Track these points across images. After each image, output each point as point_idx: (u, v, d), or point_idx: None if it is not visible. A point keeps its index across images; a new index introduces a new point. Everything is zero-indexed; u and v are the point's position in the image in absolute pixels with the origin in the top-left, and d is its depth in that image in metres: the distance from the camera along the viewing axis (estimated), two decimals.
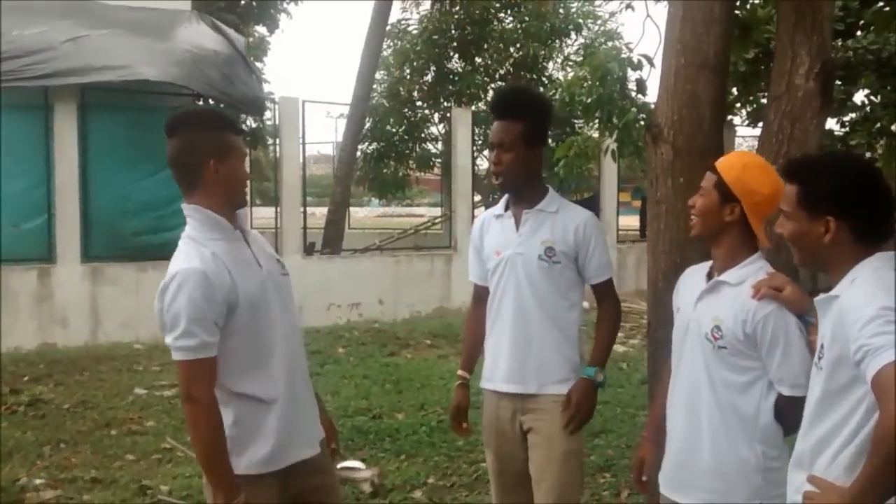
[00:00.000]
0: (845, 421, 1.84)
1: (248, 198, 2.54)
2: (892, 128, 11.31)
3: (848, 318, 1.80)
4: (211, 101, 9.94)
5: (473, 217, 12.83)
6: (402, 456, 5.26)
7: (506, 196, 3.03)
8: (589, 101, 5.84)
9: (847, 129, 12.35)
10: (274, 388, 2.35)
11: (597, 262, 2.91)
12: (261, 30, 17.16)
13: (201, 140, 2.34)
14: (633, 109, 5.67)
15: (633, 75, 5.49)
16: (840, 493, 1.78)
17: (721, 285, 2.33)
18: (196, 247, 2.30)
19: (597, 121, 6.03)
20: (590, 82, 5.90)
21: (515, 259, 2.92)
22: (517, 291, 2.91)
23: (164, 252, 9.54)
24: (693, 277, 2.50)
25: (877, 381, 1.67)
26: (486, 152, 17.00)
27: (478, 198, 14.62)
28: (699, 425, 2.36)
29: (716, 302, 2.32)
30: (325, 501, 2.55)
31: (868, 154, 12.28)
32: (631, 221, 16.95)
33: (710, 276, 2.40)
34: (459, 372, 3.22)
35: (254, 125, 13.85)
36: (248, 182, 2.52)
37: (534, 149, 2.90)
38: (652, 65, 5.31)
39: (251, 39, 15.78)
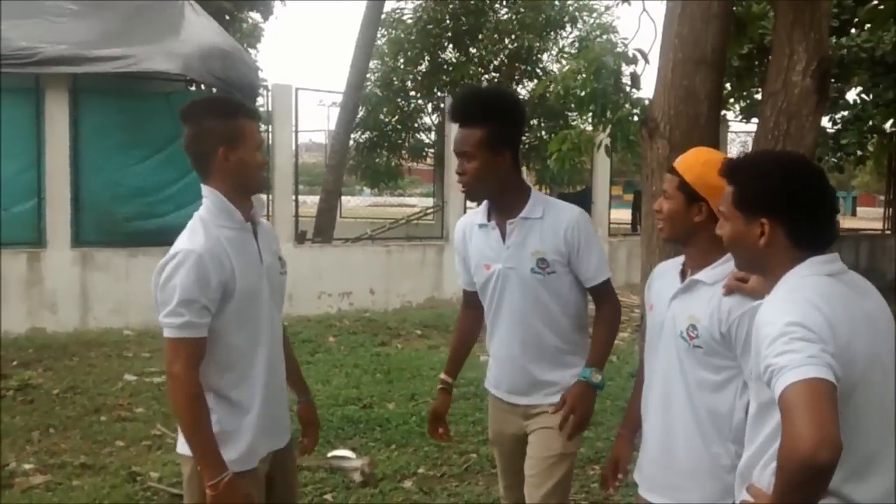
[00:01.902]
0: (775, 435, 1.78)
1: (263, 183, 2.58)
2: (885, 126, 11.38)
3: (759, 334, 1.75)
4: (203, 87, 9.89)
5: (466, 208, 12.82)
6: (392, 445, 5.27)
7: (485, 203, 2.87)
8: (583, 94, 5.86)
9: (839, 127, 12.42)
10: (254, 392, 2.39)
11: (590, 264, 2.77)
12: (254, 16, 17.05)
13: (212, 127, 2.36)
14: (627, 104, 5.70)
15: (627, 70, 5.52)
16: (767, 502, 1.75)
17: (697, 284, 2.31)
18: (205, 228, 2.34)
19: (590, 114, 6.05)
20: (584, 75, 5.92)
21: (507, 274, 2.79)
22: (512, 307, 2.80)
23: (155, 238, 9.56)
24: (666, 275, 2.47)
25: (781, 404, 1.61)
26: None
27: None
28: (673, 424, 2.35)
29: (691, 301, 2.30)
30: (282, 496, 2.61)
31: (859, 152, 12.37)
32: (622, 215, 16.99)
33: (683, 274, 2.38)
34: (442, 376, 3.12)
35: None
36: (264, 168, 2.53)
37: (500, 155, 2.70)
38: (646, 60, 5.33)
39: (245, 26, 15.68)
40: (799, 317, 1.69)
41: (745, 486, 1.90)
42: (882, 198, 16.65)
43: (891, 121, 11.29)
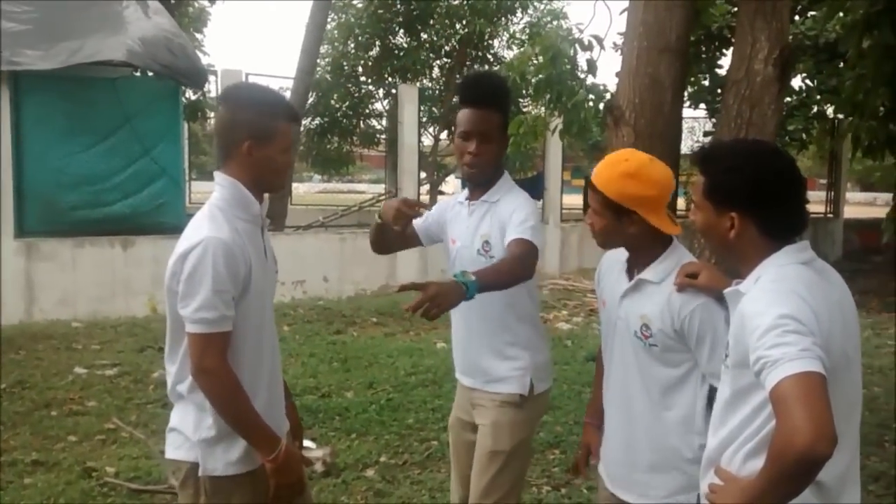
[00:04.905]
0: (750, 419, 1.82)
1: (282, 186, 2.43)
2: (828, 112, 11.66)
3: (748, 326, 1.75)
4: (150, 73, 9.67)
5: (419, 195, 12.79)
6: (352, 435, 5.24)
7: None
8: (538, 80, 5.88)
9: (785, 113, 12.69)
10: (258, 391, 2.30)
11: (514, 222, 2.63)
12: (201, 0, 16.70)
13: (243, 119, 2.25)
14: (582, 90, 5.73)
15: (582, 56, 5.55)
16: (741, 486, 1.77)
17: (644, 283, 2.31)
18: (224, 217, 2.24)
19: (545, 100, 6.07)
20: (539, 61, 5.94)
21: (462, 253, 2.82)
22: None
23: (102, 227, 9.32)
24: (613, 269, 2.46)
25: (774, 396, 1.63)
26: (431, 130, 16.95)
27: (423, 175, 14.58)
28: (635, 422, 2.36)
29: (641, 300, 2.30)
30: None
31: (804, 136, 12.66)
32: (573, 200, 17.11)
33: (630, 271, 2.37)
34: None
35: (193, 98, 13.51)
36: (288, 170, 2.39)
37: (506, 137, 2.83)
38: (602, 46, 5.36)
39: (191, 10, 15.35)
40: (790, 309, 1.71)
41: (713, 470, 1.92)
42: (823, 181, 17.05)
43: (833, 107, 11.55)
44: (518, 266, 2.54)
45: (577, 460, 2.75)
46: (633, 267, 2.36)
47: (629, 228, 2.25)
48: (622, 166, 2.25)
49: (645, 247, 2.30)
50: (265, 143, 2.25)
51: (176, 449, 2.33)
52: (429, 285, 2.29)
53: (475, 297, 2.39)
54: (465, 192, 2.94)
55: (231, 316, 2.19)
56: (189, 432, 2.28)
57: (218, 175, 2.31)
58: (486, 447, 2.76)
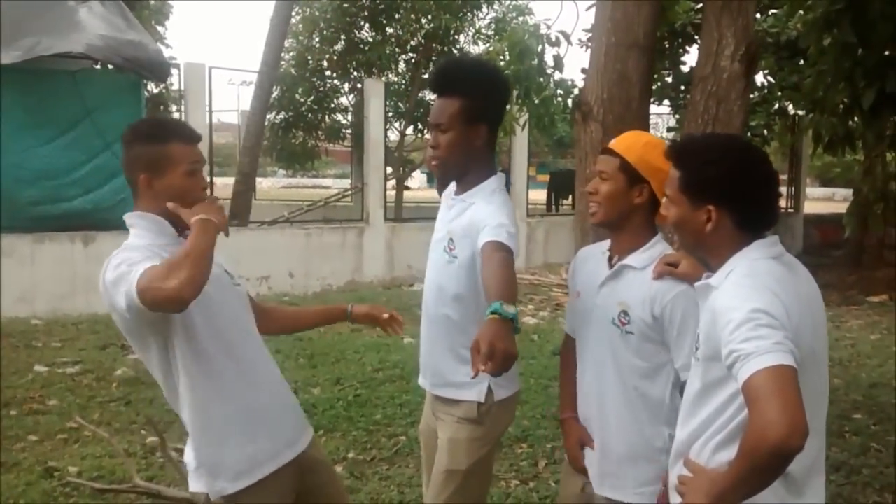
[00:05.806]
0: (720, 412, 1.85)
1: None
2: (789, 108, 11.83)
3: (720, 320, 1.76)
4: (110, 67, 9.51)
5: (386, 190, 12.75)
6: (320, 431, 5.20)
7: None
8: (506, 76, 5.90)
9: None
10: (230, 401, 2.24)
11: (489, 226, 2.40)
12: None
13: (135, 154, 2.22)
14: (551, 85, 5.76)
15: (550, 51, 5.57)
16: (711, 478, 1.79)
17: (626, 269, 2.30)
18: (142, 254, 2.11)
19: (514, 95, 6.10)
20: (507, 57, 5.95)
21: (434, 246, 2.70)
22: (427, 281, 2.72)
23: (62, 223, 9.16)
24: (590, 261, 2.46)
25: (747, 389, 1.64)
26: (397, 124, 16.91)
27: (389, 170, 14.54)
28: (607, 412, 2.35)
29: (621, 287, 2.30)
30: (325, 499, 2.50)
31: (766, 132, 12.83)
32: (537, 195, 17.19)
33: (610, 260, 2.37)
34: None
35: (156, 91, 13.32)
36: (201, 193, 2.26)
37: (475, 127, 2.52)
38: (569, 42, 5.38)
39: (153, 2, 15.10)
40: (763, 304, 1.73)
41: (682, 461, 1.93)
42: (784, 177, 17.30)
43: (794, 103, 11.74)
44: (510, 269, 2.28)
45: (574, 458, 2.53)
46: (614, 255, 2.36)
47: (636, 199, 2.27)
48: (646, 137, 2.35)
49: (636, 227, 2.31)
50: (162, 172, 2.19)
51: (194, 482, 2.28)
52: (487, 346, 1.90)
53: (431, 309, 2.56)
54: (454, 185, 2.74)
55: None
56: (190, 464, 2.26)
57: (126, 217, 2.25)
58: (443, 465, 2.64)
